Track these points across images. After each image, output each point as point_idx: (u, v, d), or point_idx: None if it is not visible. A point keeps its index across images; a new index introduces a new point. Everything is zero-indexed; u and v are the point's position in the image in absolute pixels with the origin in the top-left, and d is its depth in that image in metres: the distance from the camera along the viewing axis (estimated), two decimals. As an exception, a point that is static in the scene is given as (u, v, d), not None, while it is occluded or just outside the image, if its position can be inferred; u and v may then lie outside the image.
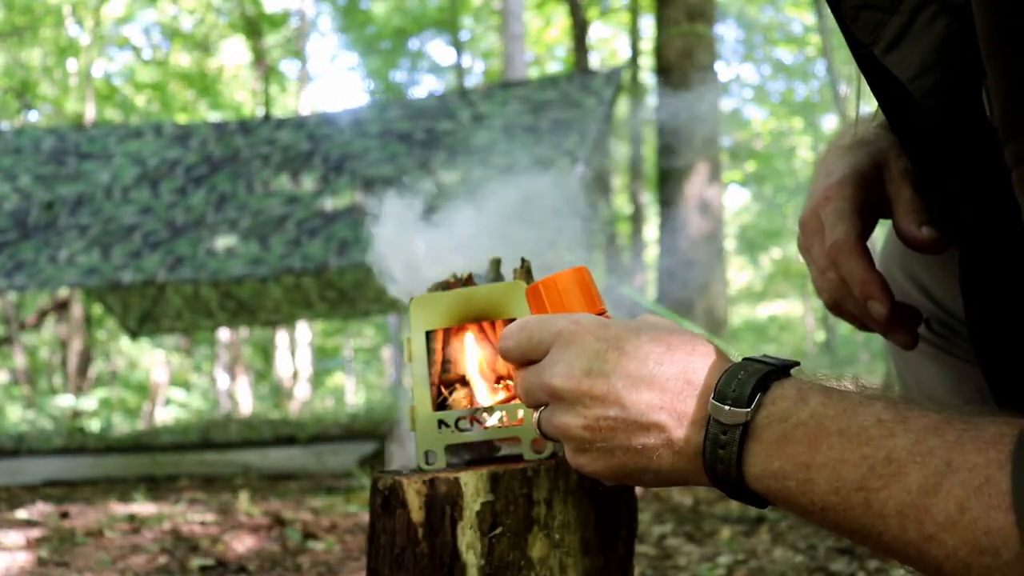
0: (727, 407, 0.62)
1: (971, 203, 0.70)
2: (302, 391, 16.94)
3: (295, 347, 17.22)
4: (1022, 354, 0.69)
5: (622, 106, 12.82)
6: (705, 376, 0.65)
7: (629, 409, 0.66)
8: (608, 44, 17.43)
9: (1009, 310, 0.69)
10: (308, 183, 6.80)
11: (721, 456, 0.63)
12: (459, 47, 17.76)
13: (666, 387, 0.66)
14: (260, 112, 16.30)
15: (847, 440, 0.58)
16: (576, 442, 0.70)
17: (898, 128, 0.78)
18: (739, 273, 22.21)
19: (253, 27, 15.88)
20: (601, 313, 0.76)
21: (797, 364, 0.66)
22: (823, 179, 0.89)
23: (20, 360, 13.76)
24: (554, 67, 17.71)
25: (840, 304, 0.87)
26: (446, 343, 0.93)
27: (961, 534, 0.52)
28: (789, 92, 17.79)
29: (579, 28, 11.90)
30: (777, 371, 0.64)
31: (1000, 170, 0.58)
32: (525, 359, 0.74)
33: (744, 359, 0.66)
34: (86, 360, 13.46)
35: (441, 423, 0.89)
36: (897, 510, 0.55)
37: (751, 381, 0.63)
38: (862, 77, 0.80)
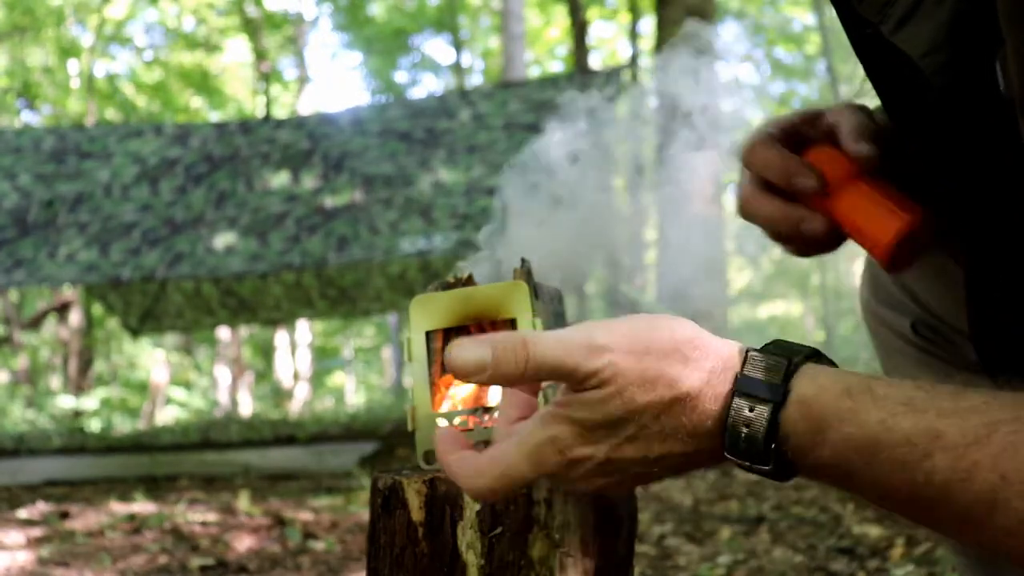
0: (748, 464, 0.58)
1: (978, 184, 0.69)
2: (302, 391, 16.93)
3: (295, 347, 17.22)
4: None
5: (622, 106, 12.80)
6: (710, 425, 0.58)
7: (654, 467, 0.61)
8: (608, 44, 17.42)
9: (1016, 293, 0.68)
10: (308, 181, 6.81)
11: (767, 472, 0.59)
12: (459, 47, 17.75)
13: (681, 447, 0.59)
14: (260, 112, 16.30)
15: (878, 473, 0.55)
16: (638, 479, 0.64)
17: (899, 112, 0.77)
18: (739, 273, 22.20)
19: (254, 27, 15.88)
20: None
21: (801, 362, 0.59)
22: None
23: (21, 360, 13.76)
24: (554, 67, 17.70)
25: (753, 210, 0.83)
26: (446, 343, 0.93)
27: None
28: (790, 93, 17.78)
29: (579, 28, 11.89)
30: (781, 400, 0.57)
31: (1012, 146, 0.57)
32: None
33: (740, 380, 0.58)
34: (87, 360, 13.45)
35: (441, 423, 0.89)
36: (957, 523, 0.54)
37: (759, 437, 0.57)
38: (866, 80, 0.79)
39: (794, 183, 0.78)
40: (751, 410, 0.57)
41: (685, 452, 0.59)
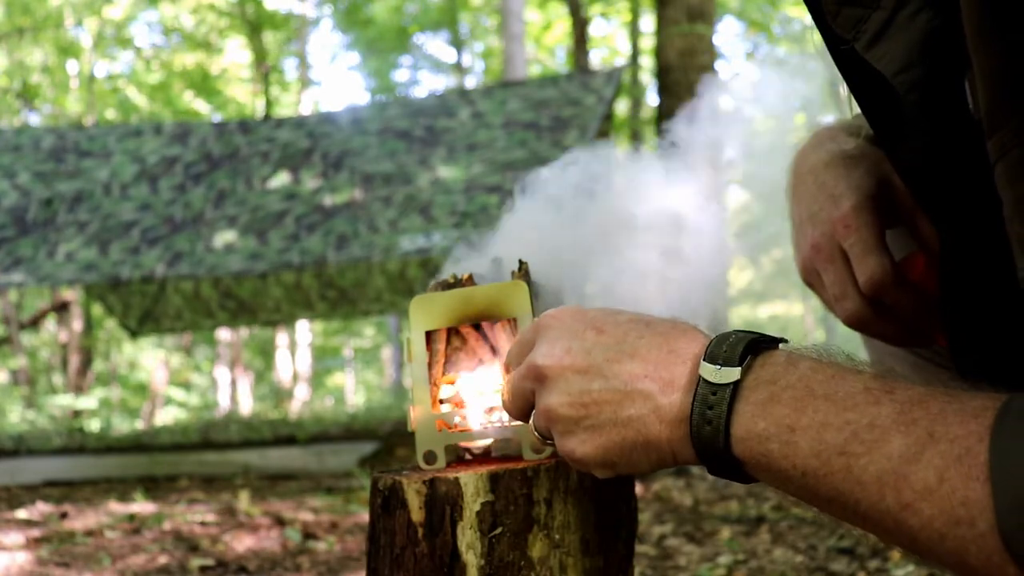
0: (718, 367, 0.63)
1: (953, 199, 0.70)
2: (302, 391, 16.94)
3: (295, 347, 17.23)
4: (999, 353, 0.69)
5: (622, 105, 12.81)
6: (688, 345, 0.66)
7: (612, 380, 0.67)
8: (608, 43, 17.41)
9: (988, 307, 0.69)
10: (307, 179, 6.81)
11: (709, 417, 0.62)
12: (459, 46, 17.74)
13: (648, 357, 0.67)
14: (260, 113, 16.29)
15: (832, 404, 0.58)
16: (563, 423, 0.69)
17: (879, 126, 0.78)
18: (739, 273, 22.22)
19: (254, 27, 15.87)
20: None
21: (785, 341, 0.67)
22: (828, 202, 0.89)
23: (20, 360, 13.76)
24: (554, 67, 17.69)
25: (868, 326, 0.89)
26: (447, 343, 0.93)
27: (938, 504, 0.52)
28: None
29: (579, 27, 11.89)
30: (766, 340, 0.66)
31: (982, 163, 0.58)
32: (520, 361, 0.75)
33: (733, 330, 0.67)
34: (86, 360, 13.45)
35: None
36: (876, 476, 0.55)
37: (741, 344, 0.64)
38: None
39: (916, 326, 0.86)
40: (738, 334, 0.65)
41: (656, 358, 0.66)
